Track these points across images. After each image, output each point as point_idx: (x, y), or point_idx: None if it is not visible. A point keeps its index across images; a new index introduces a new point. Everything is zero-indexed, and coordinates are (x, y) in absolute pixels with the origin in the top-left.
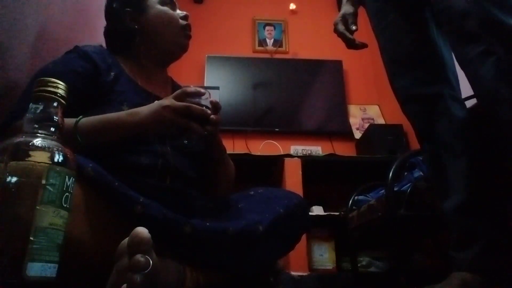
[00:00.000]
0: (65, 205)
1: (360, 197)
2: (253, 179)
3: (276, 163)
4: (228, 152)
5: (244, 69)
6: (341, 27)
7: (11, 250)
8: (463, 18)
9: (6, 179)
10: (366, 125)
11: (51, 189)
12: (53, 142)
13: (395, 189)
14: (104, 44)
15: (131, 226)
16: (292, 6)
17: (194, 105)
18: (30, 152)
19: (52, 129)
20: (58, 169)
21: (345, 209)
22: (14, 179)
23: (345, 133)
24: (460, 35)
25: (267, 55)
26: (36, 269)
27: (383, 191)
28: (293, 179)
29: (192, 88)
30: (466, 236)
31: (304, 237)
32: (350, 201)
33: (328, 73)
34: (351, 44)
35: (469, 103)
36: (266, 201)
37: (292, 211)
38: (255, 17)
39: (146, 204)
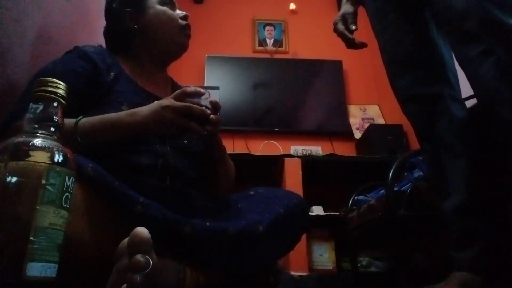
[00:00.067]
0: (65, 205)
1: (360, 197)
2: (253, 179)
3: (276, 163)
4: (228, 152)
5: (244, 69)
6: (340, 27)
7: (11, 250)
8: (463, 18)
9: (6, 179)
10: (366, 125)
11: (51, 189)
12: (53, 142)
13: (395, 189)
14: (104, 44)
15: (131, 226)
16: (292, 6)
17: (194, 105)
18: (30, 152)
19: (52, 129)
20: (58, 169)
21: (345, 209)
22: (14, 179)
23: (345, 133)
24: (460, 35)
25: (267, 55)
26: (36, 269)
27: (383, 191)
28: (293, 179)
29: (191, 88)
30: (466, 236)
31: (304, 237)
32: (350, 201)
33: (328, 73)
34: (351, 44)
35: (469, 103)
36: (266, 201)
37: (292, 211)
38: (255, 17)
39: (146, 204)
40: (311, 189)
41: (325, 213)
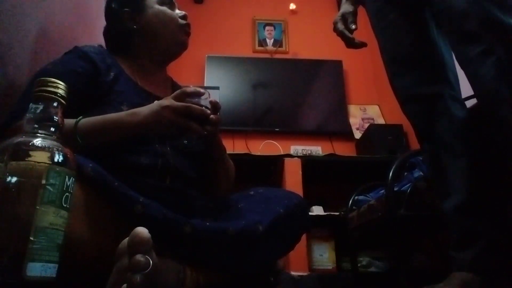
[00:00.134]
0: (65, 205)
1: (360, 197)
2: (253, 179)
3: (276, 163)
4: (228, 152)
5: (244, 69)
6: (340, 26)
7: (11, 250)
8: (463, 18)
9: (6, 179)
10: (366, 125)
11: (51, 189)
12: (53, 142)
13: (395, 189)
14: (104, 45)
15: (131, 226)
16: (292, 6)
17: (193, 105)
18: (30, 152)
19: (52, 129)
20: (58, 169)
21: (345, 209)
22: (14, 179)
23: (345, 133)
24: (460, 35)
25: (267, 55)
26: (36, 269)
27: (383, 191)
28: (293, 179)
29: (191, 88)
30: (466, 236)
31: (304, 237)
32: (350, 201)
33: (328, 73)
34: (351, 43)
35: (469, 103)
36: (266, 201)
37: (292, 211)
38: (255, 17)
39: (146, 204)
40: (311, 189)
41: (325, 213)
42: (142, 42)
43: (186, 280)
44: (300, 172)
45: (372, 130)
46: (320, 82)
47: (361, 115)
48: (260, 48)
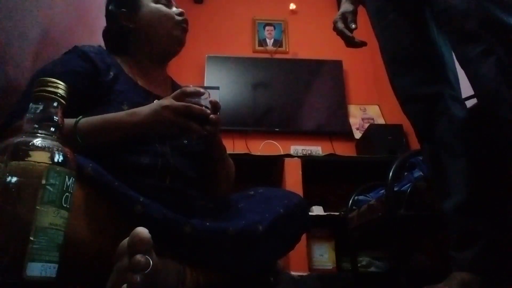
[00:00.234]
0: (65, 205)
1: (360, 197)
2: (253, 179)
3: (276, 163)
4: (228, 152)
5: (244, 69)
6: (340, 25)
7: (11, 250)
8: (463, 18)
9: (6, 179)
10: (366, 125)
11: (51, 189)
12: (53, 142)
13: (395, 189)
14: (103, 45)
15: (131, 226)
16: (292, 6)
17: (193, 105)
18: (30, 152)
19: (52, 129)
20: (58, 169)
21: (345, 209)
22: (14, 179)
23: (345, 133)
24: (460, 35)
25: (267, 55)
26: (36, 269)
27: (383, 191)
28: (293, 179)
29: (191, 88)
30: (466, 236)
31: (304, 237)
32: (350, 201)
33: (328, 73)
34: (350, 42)
35: (469, 103)
36: (266, 201)
37: (292, 211)
38: (255, 17)
39: (146, 204)
40: (311, 189)
41: (325, 213)
42: (140, 41)
43: (186, 280)
44: (300, 172)
45: (372, 130)
46: (320, 82)
47: (361, 115)
48: (260, 48)
